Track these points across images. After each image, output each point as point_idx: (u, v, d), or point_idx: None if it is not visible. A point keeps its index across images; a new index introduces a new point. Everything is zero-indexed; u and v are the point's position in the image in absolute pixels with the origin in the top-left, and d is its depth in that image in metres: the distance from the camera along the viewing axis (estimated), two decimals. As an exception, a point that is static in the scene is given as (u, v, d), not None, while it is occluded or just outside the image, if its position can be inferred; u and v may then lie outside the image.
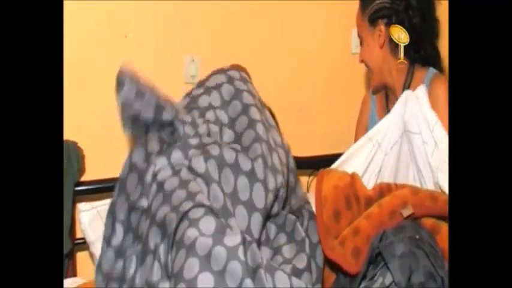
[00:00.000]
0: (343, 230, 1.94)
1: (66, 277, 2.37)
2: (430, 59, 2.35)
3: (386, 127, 2.20)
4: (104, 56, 2.55)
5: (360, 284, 1.88)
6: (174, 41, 2.65)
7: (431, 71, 2.33)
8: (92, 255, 2.37)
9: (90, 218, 2.36)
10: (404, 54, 2.33)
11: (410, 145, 2.14)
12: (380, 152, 2.19)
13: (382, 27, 2.32)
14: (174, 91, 2.51)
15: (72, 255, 2.45)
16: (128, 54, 2.57)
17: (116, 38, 2.56)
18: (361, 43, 2.42)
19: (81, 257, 2.51)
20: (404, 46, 2.31)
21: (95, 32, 2.54)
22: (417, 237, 1.82)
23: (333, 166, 2.22)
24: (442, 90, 2.24)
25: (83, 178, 2.53)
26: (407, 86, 2.33)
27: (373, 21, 2.34)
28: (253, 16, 2.75)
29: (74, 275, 2.45)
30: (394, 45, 2.33)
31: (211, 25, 2.69)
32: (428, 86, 2.28)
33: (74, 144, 2.47)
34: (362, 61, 2.43)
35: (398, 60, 2.31)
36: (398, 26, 2.29)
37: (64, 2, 2.32)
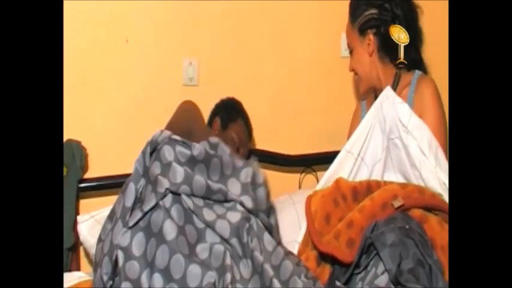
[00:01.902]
0: (335, 226, 1.99)
1: (70, 268, 2.42)
2: (415, 63, 2.39)
3: (364, 136, 2.22)
4: (107, 60, 2.59)
5: (353, 271, 1.91)
6: (173, 45, 2.69)
7: (417, 73, 2.36)
8: (91, 256, 2.40)
9: (88, 227, 2.40)
10: (392, 60, 2.36)
11: (395, 152, 2.17)
12: (364, 166, 2.21)
13: (371, 36, 2.35)
14: (173, 92, 2.62)
15: (75, 248, 2.48)
16: (129, 57, 2.63)
17: (118, 43, 2.60)
18: (350, 53, 2.45)
19: (84, 249, 2.52)
20: (393, 52, 2.34)
21: (98, 38, 2.58)
22: (407, 227, 1.86)
23: (318, 187, 2.23)
24: (428, 90, 2.29)
25: (86, 175, 2.56)
26: (394, 88, 2.33)
27: (362, 31, 2.37)
28: (247, 22, 2.78)
29: (78, 266, 2.50)
30: (382, 53, 2.36)
31: (208, 30, 2.72)
32: (415, 86, 2.32)
33: (78, 143, 2.51)
34: (352, 70, 2.46)
35: (398, 61, 2.33)
36: (399, 26, 2.32)
37: (72, 11, 2.44)
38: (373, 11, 2.36)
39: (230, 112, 2.59)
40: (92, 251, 2.35)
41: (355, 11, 2.41)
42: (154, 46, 2.67)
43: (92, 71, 2.58)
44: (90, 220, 2.42)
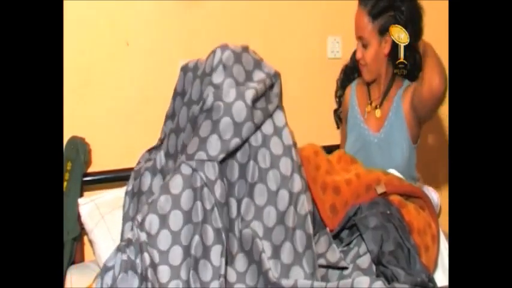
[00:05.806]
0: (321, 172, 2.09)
1: (75, 256, 2.51)
2: (416, 67, 2.38)
3: None
4: (109, 62, 2.65)
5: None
6: (170, 48, 2.75)
7: (407, 82, 2.40)
8: (90, 241, 2.48)
9: (88, 210, 2.46)
10: (393, 62, 2.36)
11: None
12: None
13: (388, 38, 2.32)
14: (170, 92, 2.58)
15: (80, 238, 2.56)
16: (129, 59, 2.69)
17: (119, 45, 2.66)
18: (364, 46, 2.37)
19: (88, 239, 2.57)
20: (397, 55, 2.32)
21: (101, 41, 2.63)
22: (388, 212, 1.97)
23: None
24: (406, 106, 2.35)
25: (90, 169, 2.63)
26: (388, 90, 2.40)
27: (382, 32, 2.32)
28: (238, 26, 2.87)
29: (82, 255, 2.59)
30: (392, 54, 2.35)
31: (203, 35, 2.80)
32: (403, 91, 2.39)
33: (82, 139, 2.58)
34: (363, 63, 2.40)
35: (398, 61, 2.33)
36: (399, 26, 2.27)
37: (76, 18, 2.53)
38: (392, 12, 2.30)
39: None
40: (91, 235, 2.44)
41: (374, 7, 2.32)
42: (153, 49, 2.74)
43: (95, 72, 2.63)
44: (90, 204, 2.48)
